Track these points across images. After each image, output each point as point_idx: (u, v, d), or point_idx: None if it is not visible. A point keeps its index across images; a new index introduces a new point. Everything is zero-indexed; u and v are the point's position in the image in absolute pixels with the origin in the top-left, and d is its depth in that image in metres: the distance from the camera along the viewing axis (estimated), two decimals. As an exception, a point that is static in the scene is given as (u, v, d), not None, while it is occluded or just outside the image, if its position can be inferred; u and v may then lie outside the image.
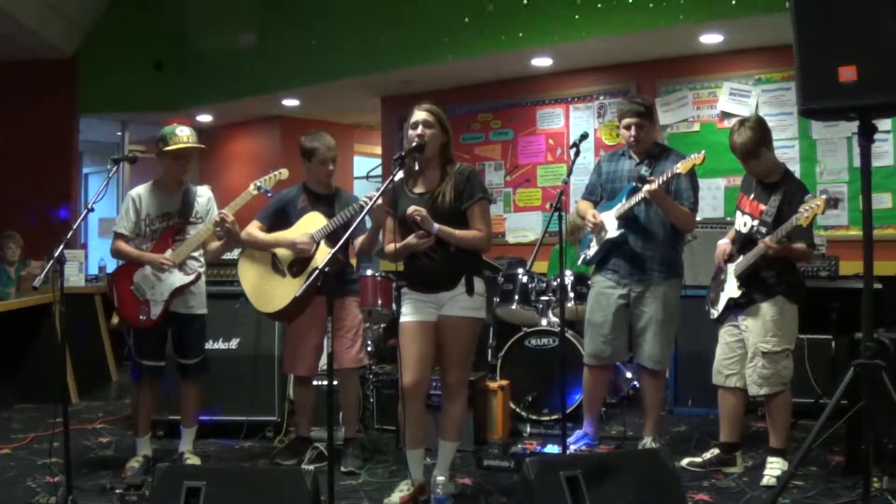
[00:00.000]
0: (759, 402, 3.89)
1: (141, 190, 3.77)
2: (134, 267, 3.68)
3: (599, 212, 3.89)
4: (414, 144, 3.19)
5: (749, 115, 4.84)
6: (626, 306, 3.84)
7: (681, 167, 3.53)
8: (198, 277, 3.69)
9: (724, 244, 3.67)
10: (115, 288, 3.70)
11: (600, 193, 3.98)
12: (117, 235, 3.72)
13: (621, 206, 3.75)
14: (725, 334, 3.61)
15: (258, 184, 3.73)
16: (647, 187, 3.58)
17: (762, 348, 3.42)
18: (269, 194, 3.76)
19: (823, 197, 3.22)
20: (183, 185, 3.80)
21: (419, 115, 3.21)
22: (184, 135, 3.69)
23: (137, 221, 3.71)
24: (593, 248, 3.91)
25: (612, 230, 3.79)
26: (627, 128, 3.81)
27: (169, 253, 3.65)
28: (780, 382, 3.43)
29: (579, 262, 4.13)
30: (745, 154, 3.46)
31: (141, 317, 3.65)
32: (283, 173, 3.78)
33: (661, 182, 3.57)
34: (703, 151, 3.55)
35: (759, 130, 3.44)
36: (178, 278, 3.66)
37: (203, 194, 3.87)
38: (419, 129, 3.18)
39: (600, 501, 2.52)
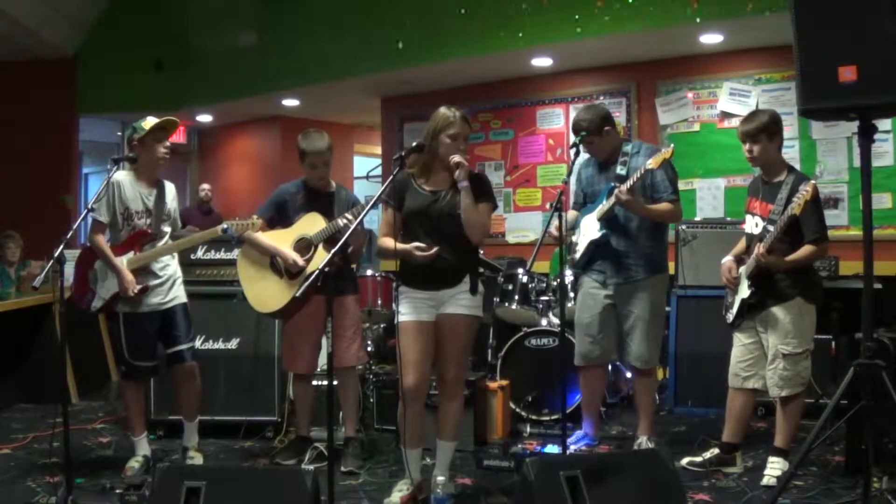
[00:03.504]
0: (759, 401, 3.90)
1: (122, 178, 3.67)
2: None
3: (583, 215, 3.95)
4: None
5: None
6: (614, 306, 3.86)
7: (652, 163, 3.56)
8: (143, 290, 3.60)
9: (728, 262, 3.65)
10: (78, 266, 3.69)
11: (583, 199, 4.01)
12: (98, 224, 3.62)
13: (602, 207, 3.78)
14: (742, 336, 3.58)
15: (226, 226, 3.63)
16: (615, 194, 3.61)
17: (783, 350, 3.40)
18: (234, 241, 3.73)
19: (812, 182, 3.23)
20: (157, 181, 3.77)
21: (462, 128, 3.19)
22: (154, 121, 3.67)
23: (115, 213, 3.65)
24: (579, 252, 3.93)
25: (594, 232, 3.81)
26: (581, 143, 3.89)
27: (131, 255, 3.61)
28: (800, 383, 3.42)
29: (568, 267, 4.14)
30: (745, 135, 3.46)
31: (84, 302, 3.65)
32: (256, 224, 3.69)
33: (634, 180, 3.60)
34: (671, 145, 3.62)
35: (768, 119, 3.44)
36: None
37: (171, 189, 3.86)
38: (462, 145, 3.19)
39: (600, 501, 2.52)
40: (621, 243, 3.80)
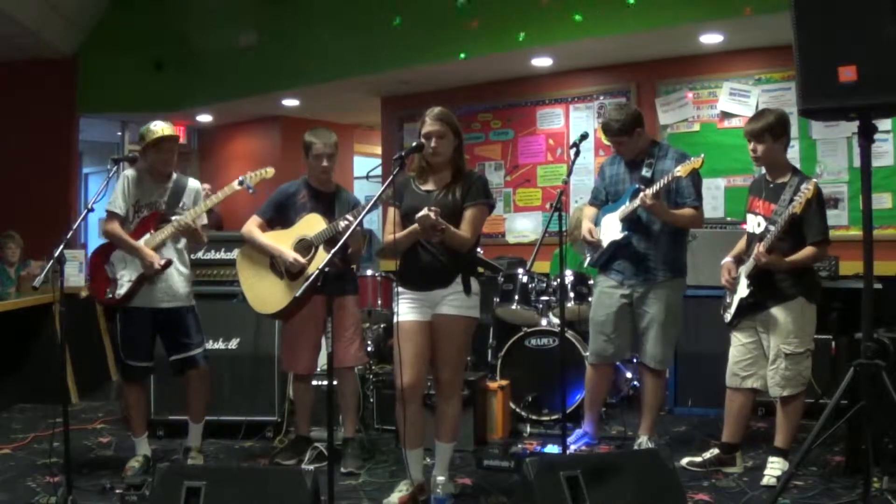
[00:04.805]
0: (759, 401, 3.90)
1: (131, 173, 3.72)
2: (115, 247, 3.67)
3: (603, 213, 3.93)
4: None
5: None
6: (630, 305, 3.86)
7: (681, 171, 3.55)
8: (168, 264, 3.62)
9: (727, 263, 3.66)
10: (93, 262, 3.71)
11: (605, 197, 4.00)
12: (112, 216, 3.65)
13: (625, 208, 3.77)
14: (740, 335, 3.58)
15: (242, 179, 3.69)
16: (640, 197, 3.61)
17: (785, 350, 3.41)
18: (251, 191, 3.74)
19: (814, 181, 3.23)
20: (171, 177, 3.78)
21: (431, 126, 3.18)
22: (158, 128, 3.67)
23: (127, 205, 3.68)
24: (599, 250, 3.92)
25: (616, 232, 3.80)
26: (610, 143, 3.91)
27: (147, 237, 3.63)
28: (801, 383, 3.43)
29: (586, 264, 4.14)
30: (750, 135, 3.47)
31: (107, 294, 3.65)
32: (269, 172, 3.71)
33: (660, 186, 3.58)
34: (702, 155, 3.58)
35: (774, 119, 3.44)
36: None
37: (193, 186, 3.86)
38: (433, 142, 3.17)
39: (600, 501, 2.53)
40: (643, 245, 3.80)
